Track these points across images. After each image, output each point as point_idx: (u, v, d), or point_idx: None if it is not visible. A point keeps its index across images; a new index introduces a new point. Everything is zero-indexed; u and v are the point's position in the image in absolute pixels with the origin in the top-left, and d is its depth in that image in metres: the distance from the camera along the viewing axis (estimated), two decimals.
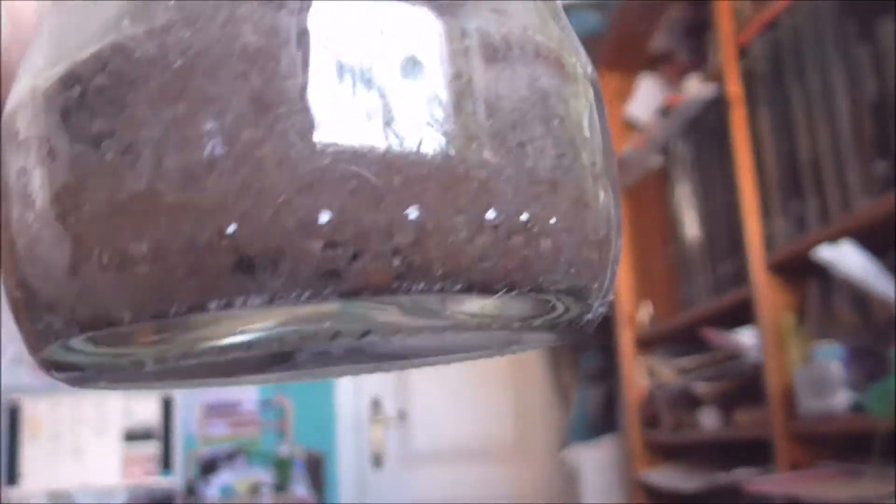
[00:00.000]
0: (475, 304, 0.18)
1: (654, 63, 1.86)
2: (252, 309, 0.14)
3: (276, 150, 0.13)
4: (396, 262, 0.14)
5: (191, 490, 2.16)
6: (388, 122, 0.14)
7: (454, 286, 0.14)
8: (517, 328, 0.18)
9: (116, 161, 0.14)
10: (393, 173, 0.14)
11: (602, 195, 0.17)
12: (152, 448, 2.17)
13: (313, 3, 0.14)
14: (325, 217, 0.13)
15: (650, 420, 1.73)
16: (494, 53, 0.16)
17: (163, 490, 2.15)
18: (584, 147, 0.17)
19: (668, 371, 1.66)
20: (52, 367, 0.17)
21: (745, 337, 1.34)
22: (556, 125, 0.16)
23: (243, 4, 0.14)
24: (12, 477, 2.09)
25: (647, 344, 1.80)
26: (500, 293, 0.15)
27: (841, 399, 1.09)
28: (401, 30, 0.15)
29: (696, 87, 1.52)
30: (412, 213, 0.14)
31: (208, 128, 0.14)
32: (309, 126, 0.14)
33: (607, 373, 1.99)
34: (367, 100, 0.14)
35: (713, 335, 1.42)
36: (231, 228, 0.13)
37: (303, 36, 0.14)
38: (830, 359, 1.10)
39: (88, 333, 0.15)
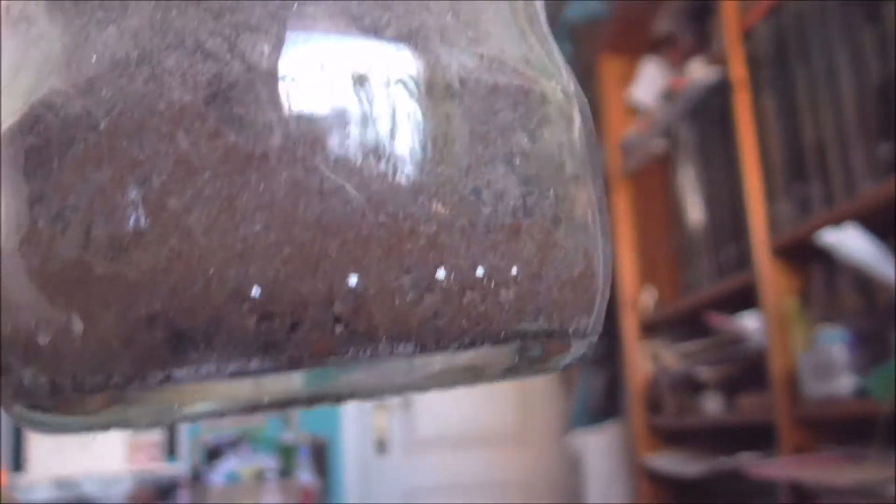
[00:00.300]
0: (439, 361, 0.17)
1: (657, 46, 1.85)
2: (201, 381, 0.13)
3: (204, 218, 0.13)
4: (338, 329, 0.13)
5: (196, 476, 2.16)
6: (322, 183, 0.13)
7: (404, 348, 0.13)
8: (497, 373, 0.17)
9: (47, 227, 0.13)
10: (329, 238, 0.13)
11: (577, 227, 0.16)
12: (157, 435, 2.18)
13: (246, 53, 0.13)
14: (256, 290, 0.13)
15: (653, 405, 1.73)
16: (446, 92, 0.14)
17: (168, 476, 2.16)
18: (556, 178, 0.16)
19: (672, 356, 1.66)
20: (26, 423, 0.16)
21: (749, 321, 1.34)
22: (520, 163, 0.15)
23: (171, 56, 0.13)
24: (18, 463, 2.10)
25: (650, 329, 1.80)
26: (458, 350, 0.14)
27: (844, 383, 1.08)
28: (334, 75, 0.14)
29: (699, 71, 1.51)
30: (352, 279, 0.13)
31: (133, 196, 0.13)
32: (237, 191, 0.13)
33: (610, 358, 1.99)
34: (301, 160, 0.13)
35: (716, 320, 1.42)
36: (160, 302, 0.13)
37: (230, 91, 0.13)
38: (834, 343, 1.10)
39: (32, 401, 0.14)
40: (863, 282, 1.11)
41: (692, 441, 1.63)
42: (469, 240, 0.14)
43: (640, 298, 1.81)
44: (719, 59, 1.44)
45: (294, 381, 0.16)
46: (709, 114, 1.54)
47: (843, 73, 1.13)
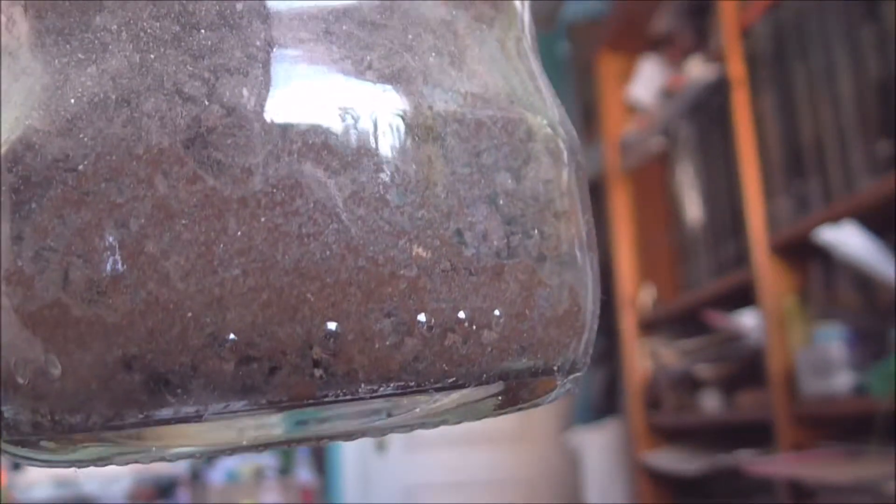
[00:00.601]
0: (424, 401, 0.16)
1: (655, 45, 1.85)
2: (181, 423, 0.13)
3: (182, 262, 0.13)
4: (317, 373, 0.13)
5: (195, 475, 2.17)
6: (301, 227, 0.13)
7: (384, 391, 0.13)
8: (484, 411, 0.17)
9: (27, 266, 0.13)
10: (308, 282, 0.13)
11: (563, 264, 0.16)
12: None
13: (225, 96, 0.13)
14: (234, 334, 0.13)
15: (652, 402, 1.74)
16: (428, 134, 0.14)
17: (168, 475, 2.16)
18: (542, 216, 0.15)
19: (670, 353, 1.66)
20: (11, 457, 0.16)
21: (747, 319, 1.34)
22: (504, 202, 0.15)
23: (150, 98, 0.13)
24: (18, 462, 2.10)
25: (649, 326, 1.80)
26: (440, 392, 0.14)
27: (843, 381, 1.09)
28: (315, 118, 0.13)
29: (698, 69, 1.51)
30: (330, 323, 0.13)
31: (111, 240, 0.13)
32: (216, 236, 0.13)
33: (609, 355, 2.00)
34: (280, 205, 0.13)
35: (715, 317, 1.42)
36: (138, 345, 0.12)
37: (209, 134, 0.13)
38: (832, 340, 1.10)
39: (15, 437, 0.14)
40: (861, 279, 1.11)
41: (691, 438, 1.64)
42: (451, 283, 0.14)
43: (638, 296, 1.82)
44: (718, 57, 1.44)
45: (276, 424, 0.15)
46: (707, 112, 1.54)
47: (841, 70, 1.13)
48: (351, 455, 2.23)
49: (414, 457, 2.27)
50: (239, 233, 0.13)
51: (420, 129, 0.14)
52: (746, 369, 1.38)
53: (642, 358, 1.79)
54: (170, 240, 0.13)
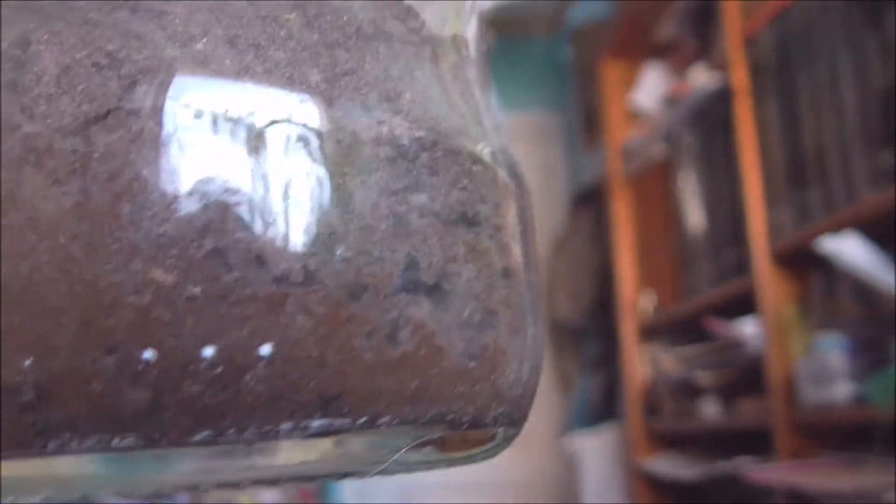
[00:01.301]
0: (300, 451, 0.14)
1: (659, 51, 1.85)
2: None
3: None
4: (29, 419, 0.11)
5: None
6: (12, 243, 0.11)
7: (122, 444, 0.11)
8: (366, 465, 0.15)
9: None
10: (13, 310, 0.11)
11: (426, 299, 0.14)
12: None
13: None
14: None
15: (651, 408, 1.74)
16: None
17: None
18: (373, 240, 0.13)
19: (670, 360, 1.67)
20: None
21: (748, 327, 1.34)
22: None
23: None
24: None
25: (649, 333, 1.81)
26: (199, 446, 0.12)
27: (842, 390, 1.09)
28: (243, 127, 0.12)
29: (701, 77, 1.52)
30: (27, 361, 0.11)
31: None
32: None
33: (609, 361, 2.00)
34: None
35: (715, 324, 1.43)
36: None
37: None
38: (832, 350, 1.11)
39: None
40: (862, 289, 1.12)
41: (690, 445, 1.64)
42: (200, 312, 0.12)
43: (639, 302, 1.82)
44: (721, 66, 1.45)
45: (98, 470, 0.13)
46: (710, 120, 1.54)
47: (845, 80, 1.13)
48: None
49: None
50: None
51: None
52: (746, 377, 1.38)
53: (642, 364, 1.79)
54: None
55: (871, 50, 1.09)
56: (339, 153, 0.13)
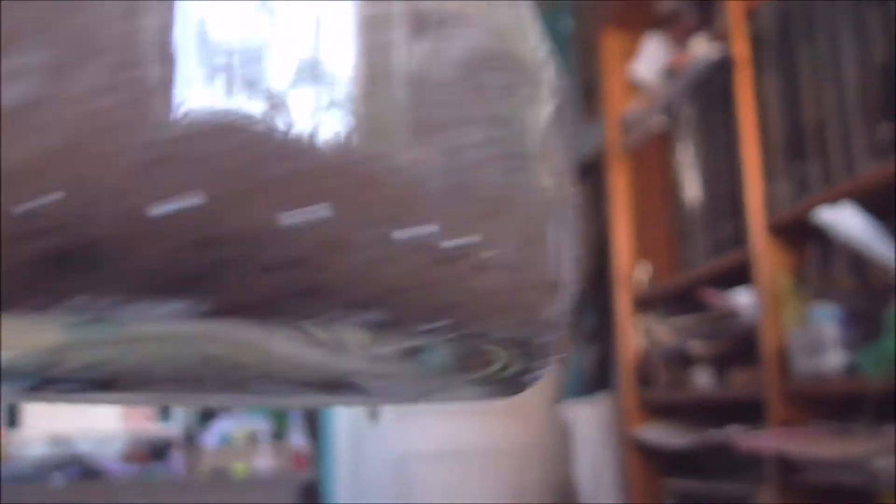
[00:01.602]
0: (388, 344, 0.14)
1: (660, 22, 1.84)
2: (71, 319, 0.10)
3: (120, 105, 0.10)
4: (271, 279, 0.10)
5: (189, 437, 2.19)
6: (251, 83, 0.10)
7: (353, 318, 0.11)
8: (440, 380, 0.14)
9: None
10: (271, 163, 0.10)
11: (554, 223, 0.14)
12: None
13: None
14: (159, 208, 0.09)
15: (645, 379, 1.76)
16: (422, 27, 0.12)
17: (162, 437, 2.18)
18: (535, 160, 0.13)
19: (664, 330, 1.68)
20: None
21: (742, 297, 1.35)
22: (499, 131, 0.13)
23: None
24: (13, 420, 2.12)
25: (644, 304, 1.82)
26: (418, 334, 0.12)
27: (835, 360, 1.10)
28: None
29: (702, 48, 1.52)
30: (294, 216, 0.10)
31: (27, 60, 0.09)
32: (164, 82, 0.10)
33: (604, 332, 2.01)
34: (243, 63, 0.10)
35: (710, 295, 1.44)
36: (39, 203, 0.09)
37: None
38: (826, 320, 1.12)
39: None
40: (857, 261, 1.12)
41: (682, 414, 1.66)
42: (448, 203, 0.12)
43: (634, 274, 1.83)
44: (722, 37, 1.44)
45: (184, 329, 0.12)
46: (710, 91, 1.54)
47: (846, 53, 1.13)
48: (343, 422, 2.25)
49: (406, 425, 2.30)
50: None
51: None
52: (740, 347, 1.40)
53: (636, 334, 1.81)
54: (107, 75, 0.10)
55: (872, 22, 1.09)
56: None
